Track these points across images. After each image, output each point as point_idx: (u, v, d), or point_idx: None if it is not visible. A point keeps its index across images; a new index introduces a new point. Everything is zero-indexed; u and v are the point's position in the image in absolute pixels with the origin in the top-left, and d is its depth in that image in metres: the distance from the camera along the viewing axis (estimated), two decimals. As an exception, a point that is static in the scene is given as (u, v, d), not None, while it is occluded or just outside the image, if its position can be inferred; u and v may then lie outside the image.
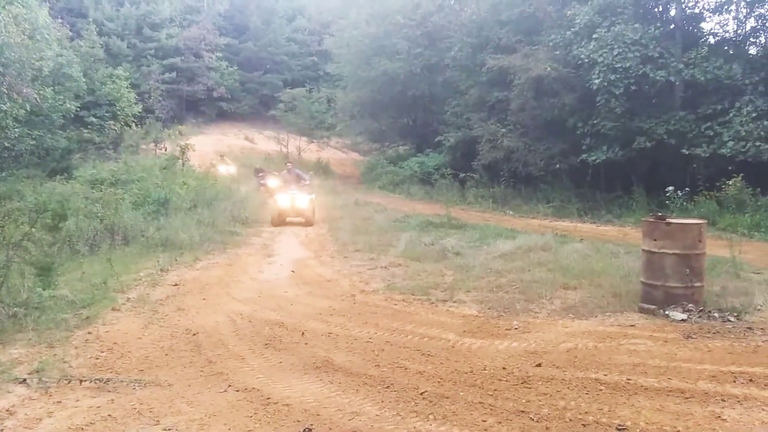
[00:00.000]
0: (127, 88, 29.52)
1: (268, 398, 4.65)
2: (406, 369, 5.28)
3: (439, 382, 4.97)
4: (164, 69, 40.58)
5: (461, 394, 4.70)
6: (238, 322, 6.76)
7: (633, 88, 16.74)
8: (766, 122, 15.10)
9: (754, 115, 15.33)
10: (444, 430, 4.10)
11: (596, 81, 16.90)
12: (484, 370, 5.23)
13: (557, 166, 19.47)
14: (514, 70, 19.61)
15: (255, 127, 41.77)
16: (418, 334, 6.29)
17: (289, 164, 17.43)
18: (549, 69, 18.42)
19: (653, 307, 6.80)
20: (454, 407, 4.46)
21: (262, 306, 7.52)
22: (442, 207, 16.06)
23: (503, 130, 20.55)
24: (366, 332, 6.36)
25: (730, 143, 15.37)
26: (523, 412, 4.38)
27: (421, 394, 4.70)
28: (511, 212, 17.78)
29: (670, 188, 14.49)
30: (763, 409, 4.43)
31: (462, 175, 21.93)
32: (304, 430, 4.10)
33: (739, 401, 4.55)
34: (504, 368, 5.23)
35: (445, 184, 21.96)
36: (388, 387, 4.85)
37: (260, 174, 24.68)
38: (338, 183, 27.32)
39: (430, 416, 4.31)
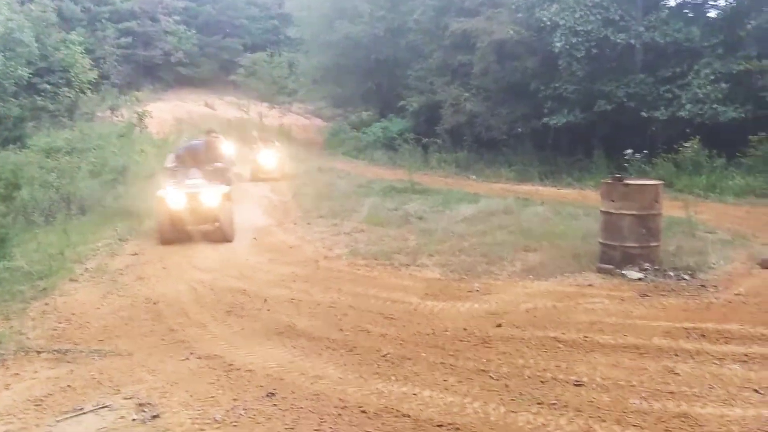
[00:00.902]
0: (81, 53, 28.45)
1: (231, 365, 4.65)
2: (368, 332, 5.32)
3: (401, 344, 5.02)
4: (120, 33, 39.24)
5: (423, 355, 4.77)
6: (200, 290, 6.71)
7: (594, 51, 16.83)
8: (723, 85, 15.34)
9: (712, 77, 15.55)
10: (406, 390, 4.15)
11: (558, 44, 16.93)
12: (446, 331, 5.30)
13: (519, 130, 19.57)
14: (476, 34, 19.52)
15: (215, 93, 40.91)
16: (381, 298, 6.34)
17: (213, 134, 10.61)
18: (511, 32, 18.38)
19: (611, 266, 6.95)
20: (416, 368, 4.51)
21: (224, 274, 7.47)
22: (406, 172, 16.05)
23: (466, 94, 20.51)
24: (329, 297, 6.37)
25: (688, 106, 15.60)
26: (483, 371, 4.46)
27: (384, 356, 4.75)
28: (473, 177, 17.85)
29: (629, 151, 14.69)
30: (714, 363, 4.59)
31: (425, 140, 21.88)
32: (267, 394, 4.12)
33: (691, 355, 4.70)
34: (465, 329, 5.31)
35: (408, 149, 21.87)
36: (351, 350, 4.89)
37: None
38: (301, 149, 27.02)
39: (392, 377, 4.37)
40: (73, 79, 27.60)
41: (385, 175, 17.37)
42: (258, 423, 3.76)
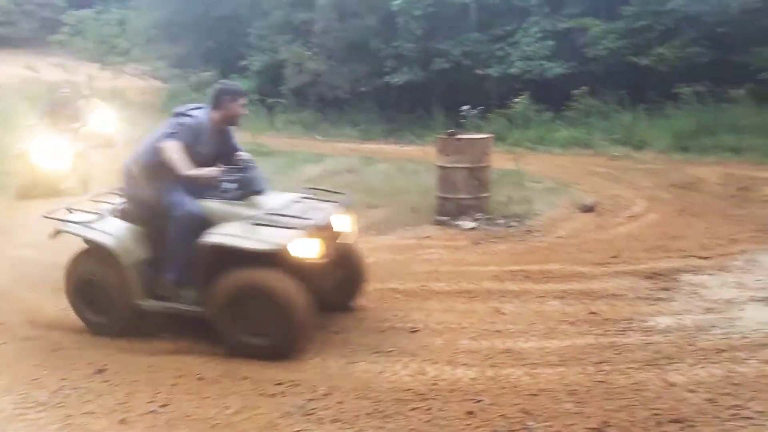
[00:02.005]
0: None
1: (58, 344, 4.38)
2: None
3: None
4: None
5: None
6: (20, 268, 6.19)
7: (431, 9, 17.24)
8: (549, 42, 16.34)
9: (539, 35, 16.52)
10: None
11: (396, 2, 17.18)
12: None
13: (363, 89, 19.70)
14: (316, -9, 19.31)
15: (37, 54, 37.30)
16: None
17: (241, 100, 4.72)
18: (351, -10, 18.37)
19: (447, 218, 7.30)
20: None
21: (50, 249, 6.91)
22: (250, 134, 15.67)
23: (309, 53, 20.28)
24: (167, 266, 6.13)
25: (519, 63, 16.49)
26: (323, 327, 4.52)
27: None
28: (319, 137, 17.81)
29: (466, 107, 15.29)
30: (536, 301, 4.99)
31: (269, 100, 21.45)
32: (97, 371, 3.93)
33: (516, 295, 5.07)
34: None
35: (252, 110, 21.27)
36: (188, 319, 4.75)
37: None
38: (137, 113, 25.48)
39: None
40: None
41: (228, 138, 16.88)
42: (87, 401, 3.59)
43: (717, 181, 9.83)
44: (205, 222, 4.15)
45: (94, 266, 4.51)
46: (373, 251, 6.41)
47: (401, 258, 6.16)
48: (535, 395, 3.55)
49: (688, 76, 13.79)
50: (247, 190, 4.28)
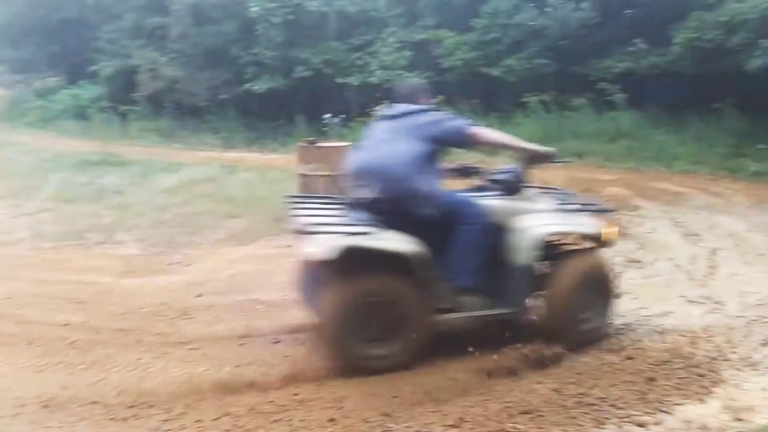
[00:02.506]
0: None
1: None
2: (53, 321, 4.84)
3: (92, 328, 4.68)
4: None
5: (116, 337, 4.51)
6: None
7: (291, 17, 17.19)
8: (406, 52, 16.85)
9: (397, 45, 16.98)
10: (94, 376, 3.89)
11: (255, 9, 16.98)
12: (143, 308, 5.09)
13: (223, 96, 19.26)
14: (171, -6, 18.66)
15: None
16: (70, 281, 5.83)
17: None
18: (206, -6, 17.93)
19: (309, 226, 7.27)
20: (107, 351, 4.25)
21: None
22: (102, 143, 14.86)
23: (164, 58, 19.53)
24: (6, 288, 5.63)
25: (378, 72, 16.83)
26: (182, 342, 4.37)
27: (71, 344, 4.39)
28: (177, 145, 17.15)
29: (328, 115, 15.40)
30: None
31: (123, 108, 20.41)
32: None
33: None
34: (164, 303, 5.16)
35: (103, 118, 20.13)
36: (30, 343, 4.41)
37: None
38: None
39: (81, 365, 4.06)
40: None
41: (77, 147, 15.80)
42: None
43: (562, 183, 10.54)
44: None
45: (381, 286, 3.82)
46: (234, 262, 6.32)
47: (264, 268, 6.06)
48: (396, 398, 3.61)
49: (535, 86, 14.73)
50: (517, 184, 4.17)
